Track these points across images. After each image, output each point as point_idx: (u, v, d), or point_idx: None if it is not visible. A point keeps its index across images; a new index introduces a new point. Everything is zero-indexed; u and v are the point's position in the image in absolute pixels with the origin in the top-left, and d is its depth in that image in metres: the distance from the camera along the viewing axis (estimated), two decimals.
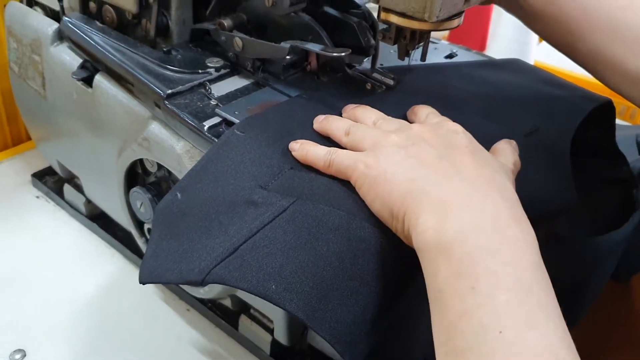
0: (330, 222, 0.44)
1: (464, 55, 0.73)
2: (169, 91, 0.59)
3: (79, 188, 0.83)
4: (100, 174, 0.75)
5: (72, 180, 0.85)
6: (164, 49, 0.65)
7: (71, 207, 0.86)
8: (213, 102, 0.60)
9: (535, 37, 1.22)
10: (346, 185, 0.48)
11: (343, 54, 0.57)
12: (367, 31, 0.62)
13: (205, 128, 0.56)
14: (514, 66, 0.71)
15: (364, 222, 0.45)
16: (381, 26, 0.59)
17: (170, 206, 0.50)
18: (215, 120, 0.57)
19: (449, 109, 0.58)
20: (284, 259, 0.43)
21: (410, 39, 0.57)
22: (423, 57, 0.61)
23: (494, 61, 0.72)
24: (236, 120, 0.56)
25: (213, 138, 0.55)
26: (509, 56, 1.11)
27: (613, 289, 0.71)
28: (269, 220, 0.44)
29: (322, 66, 0.66)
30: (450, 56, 0.72)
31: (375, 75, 0.64)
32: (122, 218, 0.74)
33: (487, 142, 0.53)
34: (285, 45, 0.59)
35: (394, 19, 0.55)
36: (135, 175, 0.69)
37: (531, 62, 1.18)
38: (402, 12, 0.53)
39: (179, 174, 0.61)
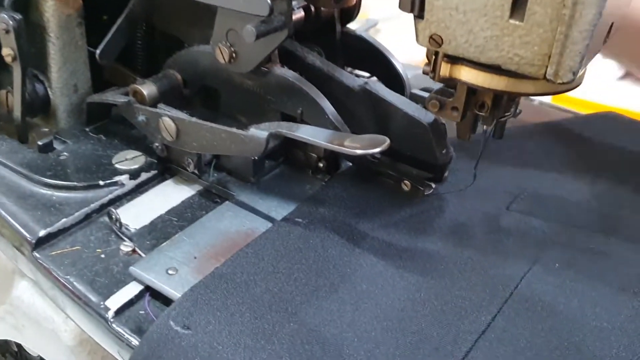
0: None
1: (528, 110, 0.47)
2: (42, 232, 0.32)
3: None
4: None
5: None
6: (40, 142, 0.37)
7: None
8: (125, 246, 0.32)
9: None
10: None
11: (361, 152, 0.29)
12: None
13: (110, 315, 0.28)
14: (612, 123, 0.46)
15: None
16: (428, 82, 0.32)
17: None
18: (131, 290, 0.29)
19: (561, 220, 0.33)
20: None
21: (492, 109, 0.30)
22: (500, 133, 0.34)
23: (584, 120, 0.46)
24: (174, 294, 0.28)
25: (126, 334, 0.27)
26: None
27: None
28: None
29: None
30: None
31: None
32: None
33: None
34: (260, 133, 0.31)
35: (472, 76, 0.28)
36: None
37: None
38: (494, 64, 0.26)
39: None
